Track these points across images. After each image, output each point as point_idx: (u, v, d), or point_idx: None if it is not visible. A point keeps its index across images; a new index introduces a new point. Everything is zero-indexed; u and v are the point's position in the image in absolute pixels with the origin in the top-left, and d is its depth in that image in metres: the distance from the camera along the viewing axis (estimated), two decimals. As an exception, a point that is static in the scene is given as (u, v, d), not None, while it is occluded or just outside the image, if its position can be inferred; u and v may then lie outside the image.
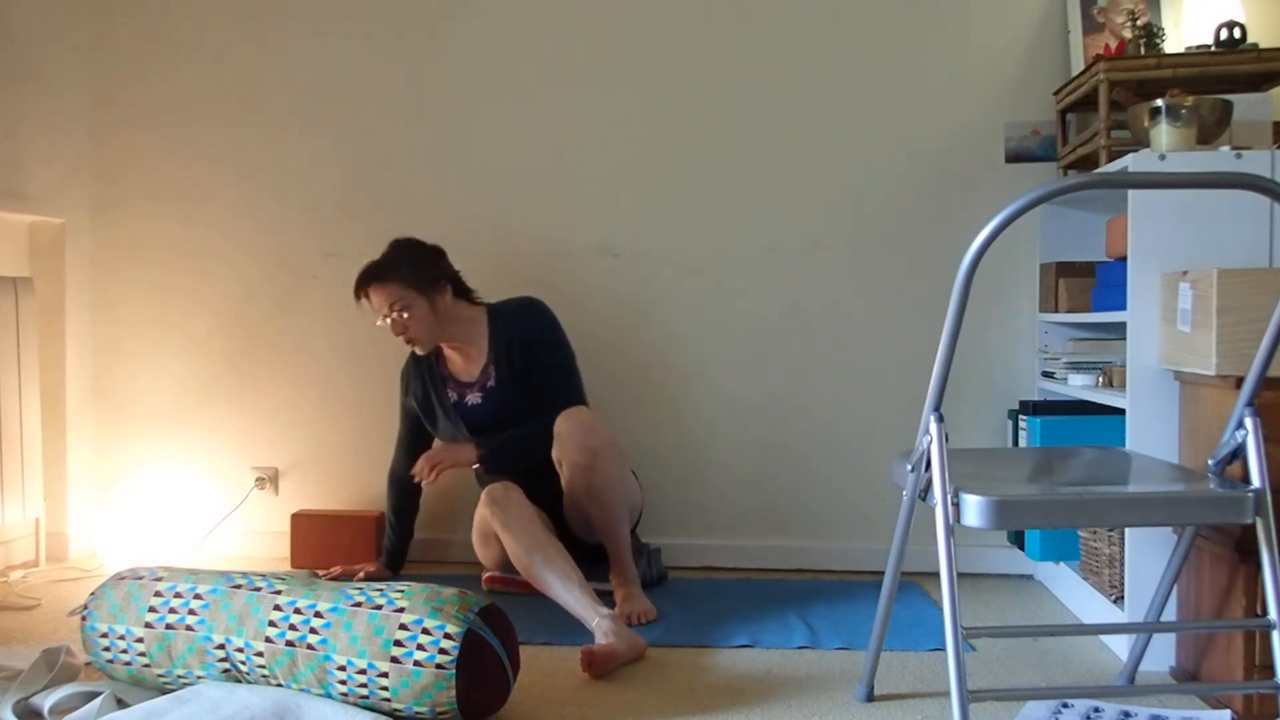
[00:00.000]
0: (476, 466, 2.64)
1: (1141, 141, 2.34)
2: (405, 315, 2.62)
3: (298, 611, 1.82)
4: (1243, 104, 2.37)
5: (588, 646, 2.11)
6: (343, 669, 1.76)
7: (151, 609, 1.90)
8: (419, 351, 2.71)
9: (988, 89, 2.94)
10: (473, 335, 2.71)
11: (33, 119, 2.98)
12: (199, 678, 1.88)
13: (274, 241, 3.15)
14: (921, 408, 1.75)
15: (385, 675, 1.73)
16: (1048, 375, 2.79)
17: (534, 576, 2.40)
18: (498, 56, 3.08)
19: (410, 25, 3.10)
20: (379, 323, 2.66)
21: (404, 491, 2.80)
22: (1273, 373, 1.74)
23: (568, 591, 2.32)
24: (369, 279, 2.65)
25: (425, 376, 2.76)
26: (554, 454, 2.58)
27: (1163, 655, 2.13)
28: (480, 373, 2.70)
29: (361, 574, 2.75)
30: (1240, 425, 1.73)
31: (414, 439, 2.81)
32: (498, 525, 2.47)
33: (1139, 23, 2.62)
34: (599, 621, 2.20)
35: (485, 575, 2.74)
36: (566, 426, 2.54)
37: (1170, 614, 2.12)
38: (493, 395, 2.69)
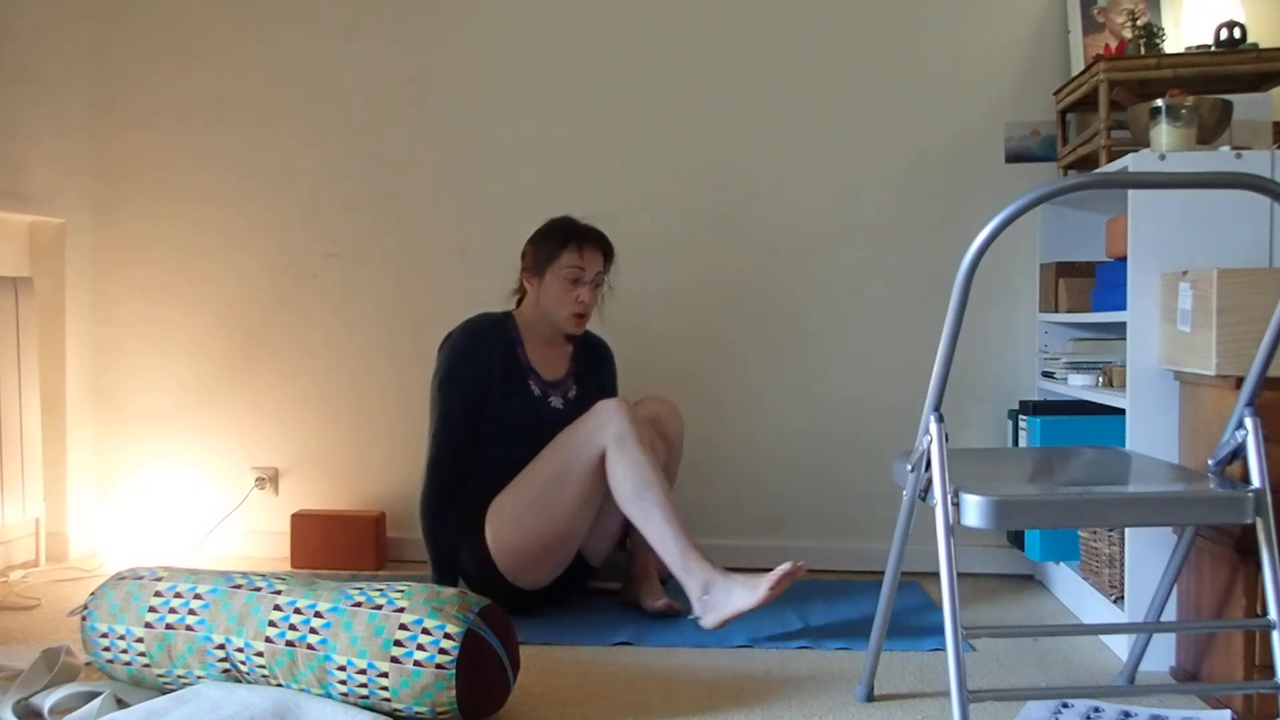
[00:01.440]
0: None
1: (1141, 141, 2.34)
2: (597, 290, 2.61)
3: (298, 611, 1.82)
4: (1243, 104, 2.37)
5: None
6: (343, 669, 1.76)
7: (151, 609, 1.90)
8: (577, 330, 2.61)
9: (988, 89, 2.94)
10: (562, 340, 2.70)
11: (33, 119, 2.98)
12: (199, 678, 1.88)
13: (274, 241, 3.15)
14: (921, 408, 1.75)
15: (385, 675, 1.73)
16: (1048, 375, 2.79)
17: (646, 504, 2.33)
18: (498, 57, 3.08)
19: (410, 25, 3.10)
20: (576, 278, 2.56)
21: (453, 501, 2.52)
22: (1273, 373, 1.74)
23: (672, 543, 2.30)
24: (604, 243, 2.61)
25: (506, 357, 2.57)
26: (653, 431, 2.54)
27: (1163, 655, 2.13)
28: (563, 379, 2.65)
29: None
30: (1240, 425, 1.73)
31: (471, 431, 2.54)
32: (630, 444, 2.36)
33: (1139, 23, 2.62)
34: (719, 579, 2.26)
35: None
36: (667, 408, 2.58)
37: (1170, 614, 2.11)
38: (571, 407, 2.62)
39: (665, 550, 2.32)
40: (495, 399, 2.56)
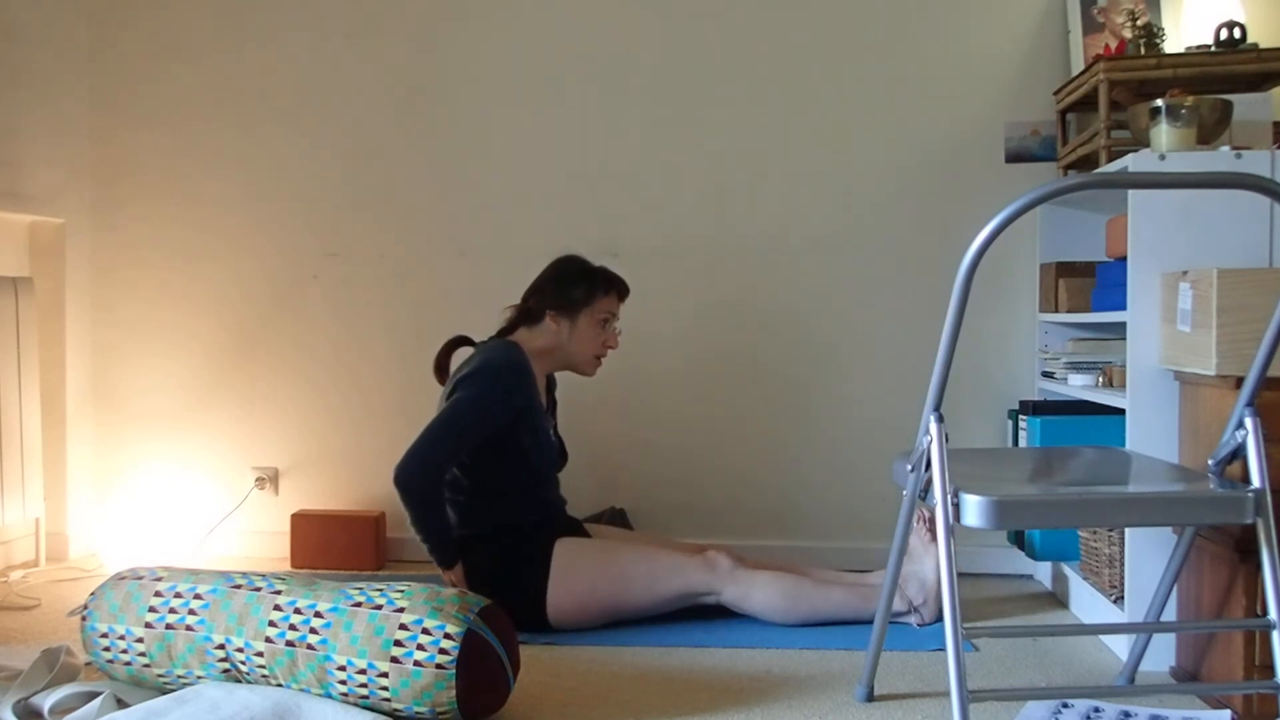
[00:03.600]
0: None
1: (1141, 141, 2.34)
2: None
3: (298, 611, 1.82)
4: (1243, 104, 2.37)
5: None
6: (343, 669, 1.76)
7: (151, 609, 1.90)
8: (593, 371, 2.62)
9: (988, 89, 2.94)
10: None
11: (33, 119, 2.98)
12: (199, 678, 1.88)
13: (274, 242, 3.15)
14: (921, 408, 1.75)
15: (385, 675, 1.73)
16: (1048, 375, 2.79)
17: (811, 609, 2.44)
18: (497, 57, 3.08)
19: (410, 26, 3.10)
20: (607, 320, 2.58)
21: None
22: (1273, 373, 1.74)
23: (846, 599, 2.44)
24: (628, 291, 2.62)
25: (537, 390, 2.52)
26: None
27: (1163, 655, 2.13)
28: (549, 410, 2.65)
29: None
30: (1240, 425, 1.73)
31: (473, 445, 2.45)
32: (745, 583, 2.42)
33: (1139, 23, 2.62)
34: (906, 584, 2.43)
35: None
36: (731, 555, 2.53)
37: (1170, 614, 2.11)
38: (559, 440, 2.64)
39: (853, 613, 2.43)
40: (528, 438, 2.48)
